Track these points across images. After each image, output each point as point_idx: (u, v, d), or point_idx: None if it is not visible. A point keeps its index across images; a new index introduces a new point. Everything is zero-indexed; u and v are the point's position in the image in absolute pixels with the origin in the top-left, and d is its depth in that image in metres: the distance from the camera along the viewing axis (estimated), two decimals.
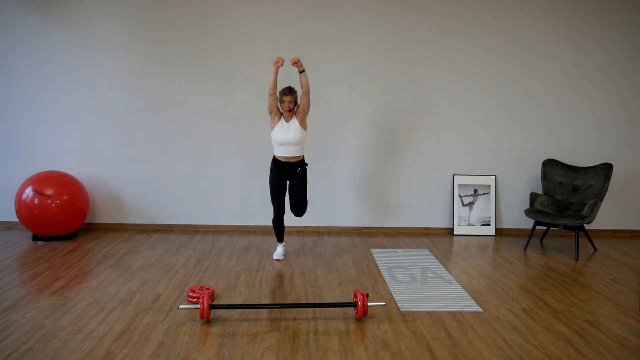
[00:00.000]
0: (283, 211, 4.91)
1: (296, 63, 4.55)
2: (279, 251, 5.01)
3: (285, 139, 4.67)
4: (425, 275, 4.57)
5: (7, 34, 5.67)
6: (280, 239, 5.03)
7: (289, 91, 4.65)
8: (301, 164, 4.83)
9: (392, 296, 4.06)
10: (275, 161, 4.81)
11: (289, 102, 4.62)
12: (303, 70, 4.61)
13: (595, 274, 4.75)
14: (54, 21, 5.67)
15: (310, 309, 3.77)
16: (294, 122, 4.70)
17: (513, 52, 5.89)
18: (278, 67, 4.57)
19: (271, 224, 5.86)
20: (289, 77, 4.90)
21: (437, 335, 3.42)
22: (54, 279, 4.29)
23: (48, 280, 4.27)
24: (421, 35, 5.82)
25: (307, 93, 4.65)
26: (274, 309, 3.77)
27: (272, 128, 4.73)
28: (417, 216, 6.10)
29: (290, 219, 5.32)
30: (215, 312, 3.66)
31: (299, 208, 4.88)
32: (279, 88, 4.69)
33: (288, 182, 4.86)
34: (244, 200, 5.97)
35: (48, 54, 5.70)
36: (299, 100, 4.74)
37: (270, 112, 4.71)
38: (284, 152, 4.73)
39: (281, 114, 4.73)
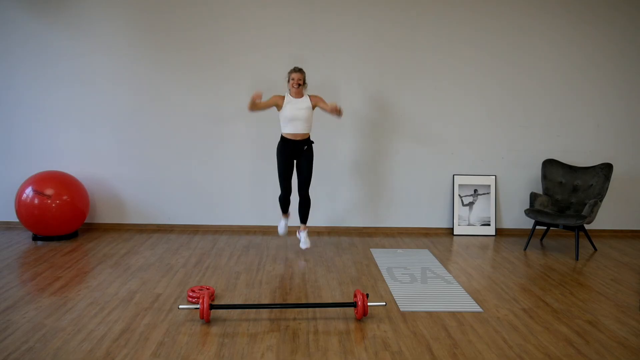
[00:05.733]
0: (290, 191, 5.01)
1: (334, 110, 4.67)
2: (282, 224, 5.19)
3: (295, 114, 4.77)
4: (425, 275, 4.57)
5: (7, 34, 5.67)
6: (285, 211, 5.15)
7: (298, 69, 4.82)
8: (308, 142, 4.91)
9: (392, 296, 4.06)
10: (283, 140, 4.88)
11: (298, 79, 4.76)
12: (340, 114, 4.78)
13: (595, 274, 4.75)
14: (53, 21, 5.67)
15: (310, 309, 3.77)
16: (306, 100, 4.83)
17: (513, 52, 5.90)
18: (253, 102, 4.69)
19: (272, 224, 5.90)
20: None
21: (437, 335, 3.42)
22: (54, 279, 4.29)
23: (48, 280, 4.27)
24: (422, 34, 5.82)
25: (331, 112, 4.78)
26: (274, 309, 3.77)
27: (279, 109, 4.84)
28: (417, 216, 6.10)
29: (292, 220, 5.32)
30: (215, 312, 3.66)
31: (305, 187, 4.98)
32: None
33: (295, 161, 4.94)
34: (245, 200, 5.97)
35: (48, 54, 5.71)
36: (306, 79, 4.90)
37: (274, 105, 4.83)
38: (293, 129, 4.81)
39: (283, 97, 4.83)
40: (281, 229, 5.25)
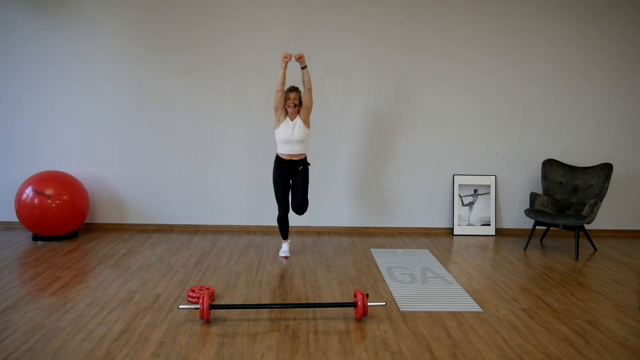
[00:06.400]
0: (288, 209, 4.97)
1: (300, 59, 4.66)
2: (284, 248, 5.08)
3: (289, 137, 4.73)
4: (425, 275, 4.57)
5: (7, 34, 5.67)
6: (285, 237, 5.10)
7: (294, 88, 4.77)
8: (304, 162, 4.87)
9: (392, 296, 4.06)
10: (279, 159, 4.86)
11: (294, 99, 4.71)
12: (305, 67, 4.68)
13: (595, 274, 4.75)
14: (53, 21, 5.67)
15: (310, 309, 3.77)
16: (298, 120, 4.77)
17: (513, 52, 5.89)
18: (287, 62, 4.64)
19: (272, 224, 5.89)
20: (291, 77, 4.89)
21: (437, 335, 3.42)
22: (54, 279, 4.29)
23: (48, 280, 4.27)
24: (422, 34, 5.82)
25: (309, 90, 4.72)
26: (274, 309, 3.77)
27: (276, 126, 4.80)
28: (417, 216, 6.09)
29: (291, 219, 5.32)
30: (215, 312, 3.66)
31: (300, 207, 4.94)
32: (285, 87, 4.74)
33: (291, 180, 4.90)
34: (245, 200, 5.97)
35: (48, 54, 5.70)
36: (302, 97, 4.79)
37: (276, 110, 4.78)
38: (288, 150, 4.78)
39: (286, 112, 4.78)
40: (283, 253, 5.07)
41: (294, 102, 4.71)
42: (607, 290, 4.33)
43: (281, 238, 5.14)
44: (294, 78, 4.92)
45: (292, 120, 4.76)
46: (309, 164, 4.94)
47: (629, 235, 6.16)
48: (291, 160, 4.82)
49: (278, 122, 4.77)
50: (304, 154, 4.87)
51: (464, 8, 5.80)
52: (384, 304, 3.71)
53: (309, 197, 5.01)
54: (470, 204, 6.06)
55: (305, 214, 5.07)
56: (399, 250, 5.33)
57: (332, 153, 5.90)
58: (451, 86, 5.92)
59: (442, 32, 5.83)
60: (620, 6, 5.87)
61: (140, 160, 5.88)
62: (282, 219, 4.98)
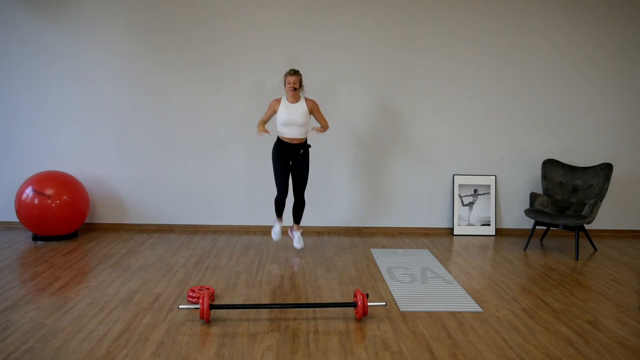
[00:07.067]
0: (287, 192, 4.99)
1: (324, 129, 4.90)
2: (276, 229, 5.17)
3: (290, 119, 4.75)
4: (425, 275, 4.57)
5: (7, 34, 5.67)
6: (279, 215, 5.15)
7: (294, 72, 4.78)
8: (304, 145, 4.88)
9: (392, 296, 4.06)
10: (279, 141, 4.87)
11: (294, 83, 4.74)
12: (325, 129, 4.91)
13: (595, 274, 4.75)
14: (53, 21, 5.67)
15: (310, 309, 3.77)
16: (302, 105, 4.80)
17: (513, 52, 5.90)
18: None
19: (272, 224, 5.89)
20: (290, 64, 4.89)
21: (437, 335, 3.42)
22: (54, 279, 4.29)
23: (48, 280, 4.27)
24: (422, 34, 5.82)
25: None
26: (274, 309, 3.77)
27: (276, 113, 4.85)
28: (417, 216, 6.09)
29: (287, 221, 5.33)
30: (215, 312, 3.66)
31: (301, 190, 4.97)
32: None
33: (291, 163, 4.92)
34: (245, 200, 5.97)
35: (48, 54, 5.70)
36: (303, 82, 4.90)
37: (274, 111, 4.85)
38: (289, 133, 4.80)
39: (280, 100, 4.84)
40: (275, 235, 5.19)
41: (293, 86, 4.73)
42: (607, 290, 4.33)
43: (275, 216, 5.17)
44: (293, 63, 4.91)
45: (291, 102, 4.79)
46: (310, 146, 4.96)
47: (629, 235, 6.16)
48: (292, 144, 4.82)
49: (277, 110, 4.83)
50: (305, 137, 4.88)
51: (464, 8, 5.80)
52: (384, 304, 3.71)
53: (308, 197, 5.03)
54: (470, 204, 6.06)
55: (303, 208, 5.09)
56: (399, 250, 5.33)
57: (331, 153, 5.89)
58: (451, 86, 5.92)
59: (442, 32, 5.83)
60: (620, 6, 5.87)
61: (140, 160, 5.88)
62: (280, 202, 5.04)
